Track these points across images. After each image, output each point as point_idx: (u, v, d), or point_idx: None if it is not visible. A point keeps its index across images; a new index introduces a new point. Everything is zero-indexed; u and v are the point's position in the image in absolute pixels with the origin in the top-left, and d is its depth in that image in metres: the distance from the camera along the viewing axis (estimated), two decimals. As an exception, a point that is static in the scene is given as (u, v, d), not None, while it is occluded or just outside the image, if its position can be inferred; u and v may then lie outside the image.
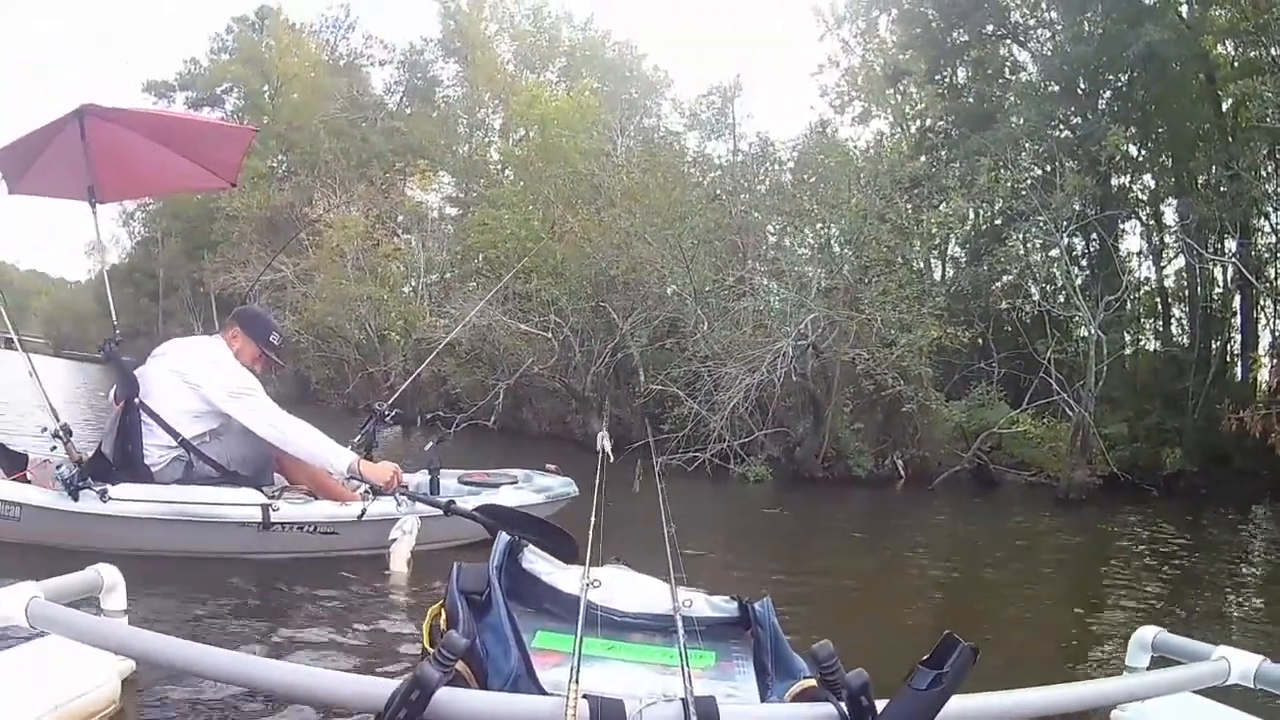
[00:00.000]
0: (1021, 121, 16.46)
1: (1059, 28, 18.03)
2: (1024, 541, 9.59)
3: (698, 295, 14.99)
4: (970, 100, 18.62)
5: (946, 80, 19.40)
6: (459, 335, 18.65)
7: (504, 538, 2.52)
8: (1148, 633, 2.55)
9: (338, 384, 23.90)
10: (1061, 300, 16.25)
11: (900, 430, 14.66)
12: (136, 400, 4.54)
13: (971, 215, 17.68)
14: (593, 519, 3.16)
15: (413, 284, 22.93)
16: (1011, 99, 17.81)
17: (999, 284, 17.79)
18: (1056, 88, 17.59)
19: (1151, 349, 19.20)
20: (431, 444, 5.88)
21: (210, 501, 4.47)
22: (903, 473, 14.38)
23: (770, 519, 10.27)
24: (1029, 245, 17.29)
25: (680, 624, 1.95)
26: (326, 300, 24.27)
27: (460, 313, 18.53)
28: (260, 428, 4.57)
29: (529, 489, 5.58)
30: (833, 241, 16.13)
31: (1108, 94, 17.89)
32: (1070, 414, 13.73)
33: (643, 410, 15.65)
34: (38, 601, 1.90)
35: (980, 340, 16.59)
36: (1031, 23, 18.81)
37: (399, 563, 4.50)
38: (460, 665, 1.69)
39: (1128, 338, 17.88)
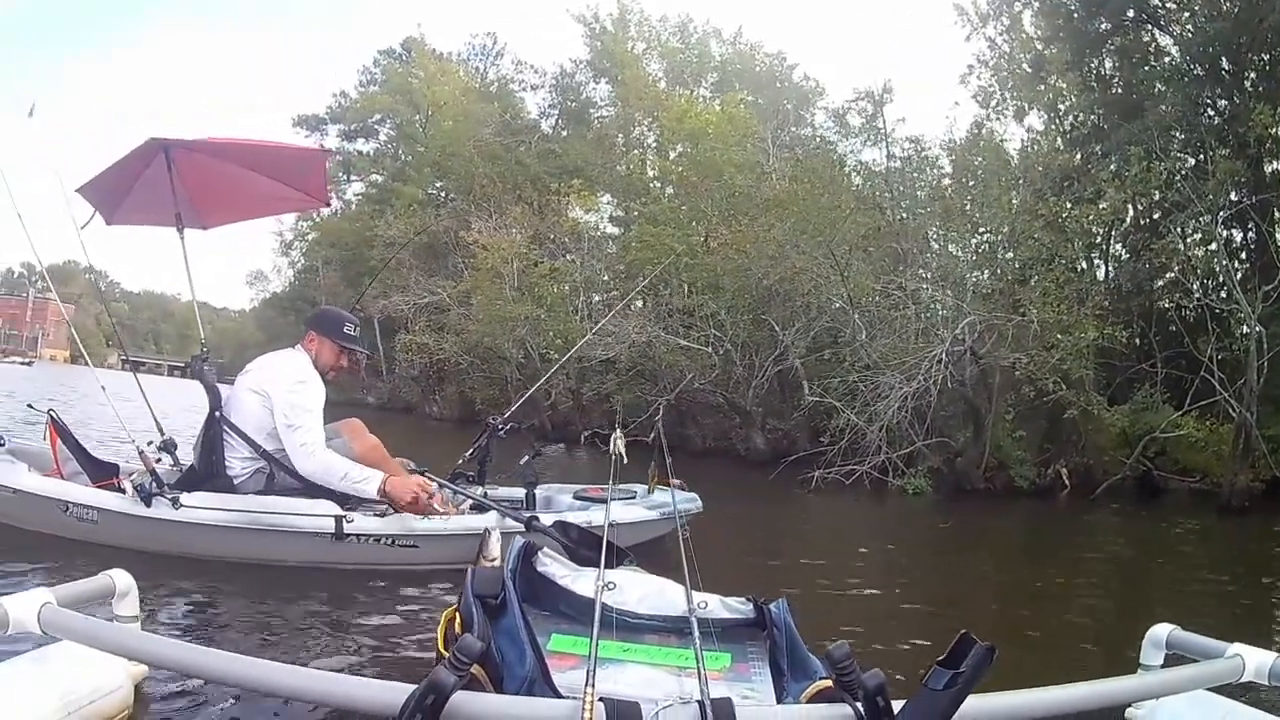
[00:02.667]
0: (1169, 108, 16.22)
1: (1196, 6, 17.76)
2: (1186, 551, 9.39)
3: (853, 303, 15.34)
4: (1119, 90, 18.60)
5: (1093, 71, 19.27)
6: (619, 352, 19.86)
7: (518, 541, 2.66)
8: (1162, 630, 2.55)
9: (500, 404, 24.77)
10: (1223, 295, 15.93)
11: (1064, 438, 14.53)
12: (218, 414, 4.83)
13: (1130, 210, 17.65)
14: (606, 522, 3.48)
15: (576, 302, 23.86)
16: (1158, 86, 17.66)
17: (1161, 281, 17.53)
18: (1201, 70, 17.35)
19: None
20: (526, 458, 5.90)
21: (282, 511, 4.64)
22: (1067, 482, 14.18)
23: (930, 535, 10.12)
24: (1187, 238, 16.94)
25: (695, 626, 2.06)
26: (483, 321, 25.61)
27: (619, 330, 19.69)
28: (302, 465, 4.73)
29: (641, 504, 5.45)
30: (992, 244, 16.50)
31: (1253, 74, 17.44)
32: (1233, 415, 13.42)
33: (807, 422, 16.12)
34: (50, 608, 1.99)
35: (1139, 340, 16.39)
36: (1170, 4, 18.53)
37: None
38: (475, 669, 1.76)
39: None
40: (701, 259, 19.92)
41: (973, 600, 5.93)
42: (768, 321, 18.35)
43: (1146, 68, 18.13)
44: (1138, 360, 16.12)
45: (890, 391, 13.49)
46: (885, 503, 12.50)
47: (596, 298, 27.71)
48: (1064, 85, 18.43)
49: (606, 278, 27.33)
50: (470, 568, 2.45)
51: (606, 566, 2.49)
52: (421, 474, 5.22)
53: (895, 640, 4.20)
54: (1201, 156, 15.40)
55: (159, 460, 5.13)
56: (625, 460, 4.52)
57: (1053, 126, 19.57)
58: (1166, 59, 18.29)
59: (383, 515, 4.83)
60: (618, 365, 21.58)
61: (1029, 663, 3.86)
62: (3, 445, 5.14)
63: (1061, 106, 19.37)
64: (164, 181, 5.34)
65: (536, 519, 4.62)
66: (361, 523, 4.68)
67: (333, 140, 45.65)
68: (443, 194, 35.88)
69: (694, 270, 20.18)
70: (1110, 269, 18.74)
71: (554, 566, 2.61)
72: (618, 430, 4.84)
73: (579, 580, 2.57)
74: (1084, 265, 17.87)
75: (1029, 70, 19.19)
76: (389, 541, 4.72)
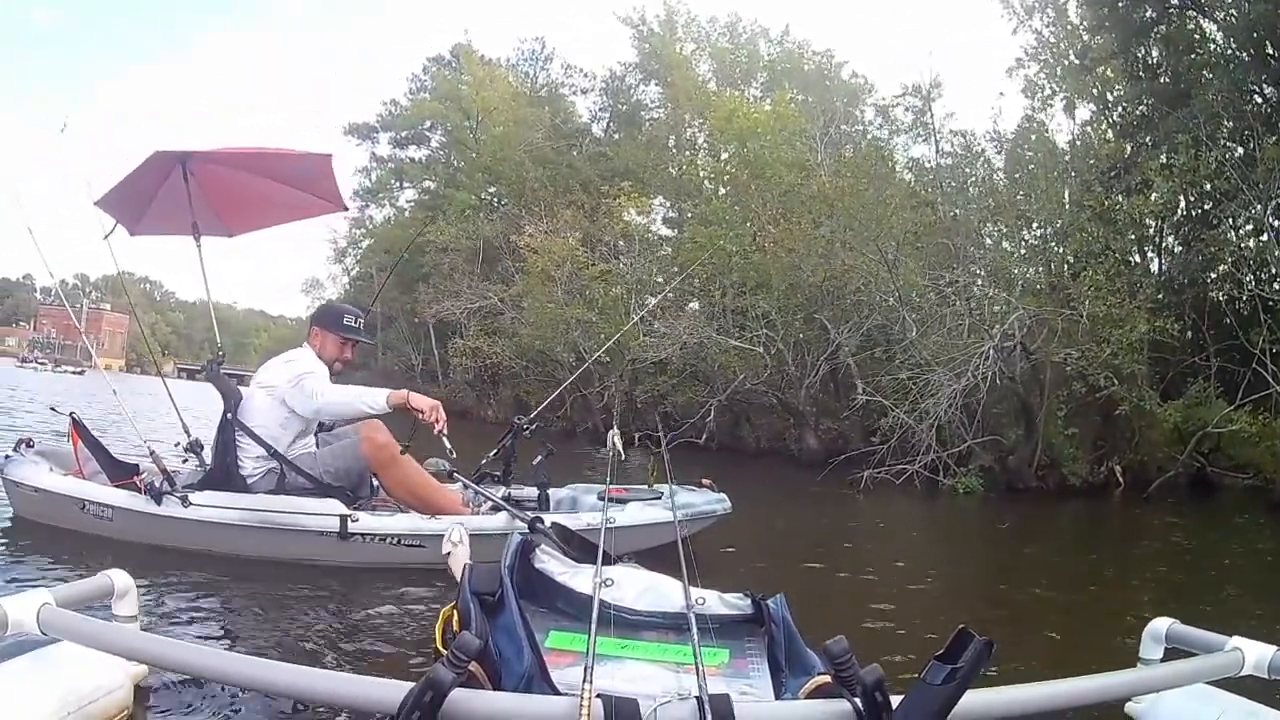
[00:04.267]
0: (1215, 95, 16.03)
1: (1239, -10, 17.55)
2: (1235, 549, 9.25)
3: (903, 299, 15.45)
4: (1166, 79, 18.43)
5: (1140, 61, 19.09)
6: (671, 353, 20.17)
7: (516, 538, 2.72)
8: (1161, 624, 2.56)
9: (555, 406, 24.89)
10: (1276, 287, 15.97)
11: (1117, 434, 14.53)
12: (229, 416, 5.05)
13: (1182, 201, 17.49)
14: (604, 518, 3.66)
15: (629, 304, 24.11)
16: (1205, 74, 17.46)
17: (1213, 273, 17.29)
18: (1247, 56, 17.09)
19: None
20: (539, 458, 5.88)
21: (288, 510, 4.87)
22: (1120, 480, 14.23)
23: (979, 535, 10.21)
24: (1239, 229, 16.86)
25: (693, 622, 2.10)
26: (534, 325, 26.05)
27: (671, 331, 20.01)
28: (307, 407, 4.97)
29: (662, 505, 5.35)
30: (1046, 237, 16.49)
31: (1298, 58, 17.17)
32: (1286, 408, 13.27)
33: (860, 422, 16.25)
34: (49, 608, 2.01)
35: (1190, 333, 16.25)
36: (1213, -10, 18.34)
37: (459, 569, 4.79)
38: (473, 666, 1.78)
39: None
40: (751, 258, 20.11)
41: (1017, 601, 5.88)
42: (819, 320, 18.53)
43: (1192, 55, 17.98)
44: (1190, 354, 16.00)
45: (940, 389, 13.56)
46: (936, 502, 12.57)
47: (652, 300, 28.00)
48: (1111, 75, 18.38)
49: (660, 279, 27.57)
50: (467, 565, 2.52)
51: (604, 564, 2.55)
52: (452, 474, 5.48)
53: (930, 639, 4.06)
54: (1250, 144, 15.24)
55: (185, 461, 5.69)
56: (623, 458, 4.86)
57: (1102, 117, 19.52)
58: (1212, 45, 18.13)
59: (392, 515, 5.04)
60: (670, 367, 21.87)
61: (1074, 661, 4.02)
62: (31, 447, 5.48)
63: (1110, 97, 19.28)
64: (184, 193, 5.68)
65: (540, 520, 4.57)
66: (367, 522, 4.89)
67: (384, 148, 46.86)
68: (495, 199, 36.29)
69: (744, 270, 20.39)
70: (1163, 261, 18.64)
71: (552, 564, 2.67)
72: (614, 428, 5.21)
73: (577, 577, 2.61)
74: (1136, 258, 17.84)
75: (1076, 62, 19.13)
76: (394, 541, 4.90)
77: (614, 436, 5.05)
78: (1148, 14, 18.45)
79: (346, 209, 6.68)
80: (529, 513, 4.90)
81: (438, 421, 4.91)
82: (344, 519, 4.82)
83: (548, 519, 4.72)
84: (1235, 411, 13.73)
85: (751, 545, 7.10)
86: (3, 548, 4.77)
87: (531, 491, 5.77)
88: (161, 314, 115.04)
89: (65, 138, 6.89)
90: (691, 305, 24.93)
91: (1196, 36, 18.33)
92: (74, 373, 39.12)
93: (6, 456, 5.45)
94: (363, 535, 4.85)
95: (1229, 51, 17.68)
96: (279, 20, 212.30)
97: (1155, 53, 19.17)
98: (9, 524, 5.20)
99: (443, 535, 4.55)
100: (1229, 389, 14.78)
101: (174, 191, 5.76)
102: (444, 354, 34.33)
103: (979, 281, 15.12)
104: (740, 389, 19.69)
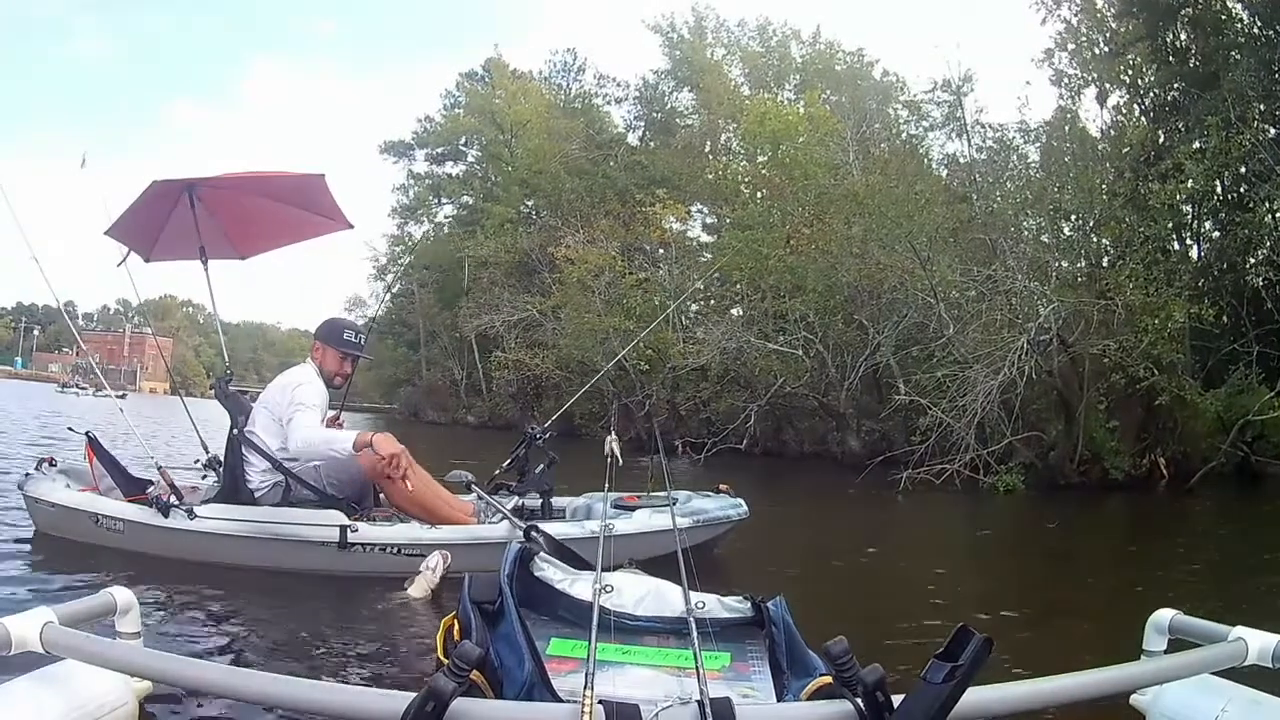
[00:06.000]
0: (1244, 76, 16.01)
1: (1265, -32, 17.38)
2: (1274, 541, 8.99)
3: (937, 295, 15.50)
4: (1196, 62, 18.38)
5: (1168, 45, 19.04)
6: (710, 359, 20.41)
7: (514, 546, 2.68)
8: (1164, 615, 2.55)
9: (598, 417, 25.12)
10: None
11: (1159, 426, 14.43)
12: (235, 432, 5.26)
13: (1218, 186, 17.36)
14: (603, 525, 3.70)
15: (668, 312, 24.24)
16: (1233, 55, 17.38)
17: (1252, 258, 17.13)
18: (1274, 34, 17.04)
19: None
20: (541, 467, 5.88)
21: (289, 521, 5.00)
22: (1164, 471, 14.17)
23: (1017, 535, 9.97)
24: (1275, 210, 16.68)
25: (694, 626, 2.10)
26: (573, 336, 26.40)
27: (710, 338, 20.26)
28: (292, 445, 5.10)
29: (670, 512, 4.98)
30: (1084, 228, 16.60)
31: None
32: (1329, 394, 13.09)
33: (902, 422, 16.31)
34: (52, 626, 2.01)
35: (1227, 319, 16.18)
36: (1238, -32, 18.17)
37: (419, 591, 4.66)
38: (475, 675, 1.79)
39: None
40: (786, 261, 20.26)
41: (1051, 598, 5.78)
42: (858, 320, 18.75)
43: (1220, 36, 17.90)
44: (1231, 340, 15.93)
45: (976, 385, 13.61)
46: (977, 501, 12.48)
47: (694, 306, 28.26)
48: (1140, 60, 18.34)
49: (700, 285, 27.80)
50: (467, 574, 2.53)
51: (604, 569, 2.57)
52: (469, 485, 5.64)
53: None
54: (1280, 125, 15.03)
55: (204, 477, 5.94)
56: (620, 463, 4.82)
57: (1134, 104, 19.48)
58: (1239, 25, 18.07)
59: (392, 524, 5.16)
60: (710, 373, 22.09)
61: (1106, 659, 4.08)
62: (54, 465, 5.74)
63: (1141, 84, 19.22)
64: (192, 218, 5.95)
65: (536, 528, 4.62)
66: (366, 532, 5.01)
67: (421, 165, 47.47)
68: (533, 211, 36.73)
69: (780, 273, 20.58)
70: (1201, 248, 18.59)
71: (551, 571, 2.67)
72: (612, 434, 5.23)
73: (577, 584, 2.62)
74: (1175, 245, 17.74)
75: (1106, 49, 19.12)
76: (394, 550, 5.01)
77: (612, 442, 5.06)
78: (1175, -3, 18.44)
79: (351, 226, 6.77)
80: (528, 521, 5.00)
81: (396, 469, 4.99)
82: (343, 529, 4.96)
83: (546, 527, 4.81)
84: (1277, 398, 13.69)
85: (779, 549, 7.20)
86: (24, 560, 5.02)
87: (557, 500, 5.92)
88: (205, 336, 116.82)
89: (88, 171, 7.15)
90: (734, 311, 25.20)
91: (1224, 17, 18.26)
92: (116, 396, 39.88)
93: (27, 474, 5.74)
94: (362, 545, 4.99)
95: (1256, 30, 17.66)
96: (315, 53, 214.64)
97: (1184, 35, 19.13)
98: (30, 538, 5.48)
99: (439, 544, 4.88)
100: (1270, 375, 14.81)
101: (183, 218, 6.02)
102: (487, 368, 34.77)
103: (1014, 275, 14.99)
104: (781, 393, 19.89)
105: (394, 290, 48.49)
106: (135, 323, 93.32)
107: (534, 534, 4.42)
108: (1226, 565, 7.55)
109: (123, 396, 44.08)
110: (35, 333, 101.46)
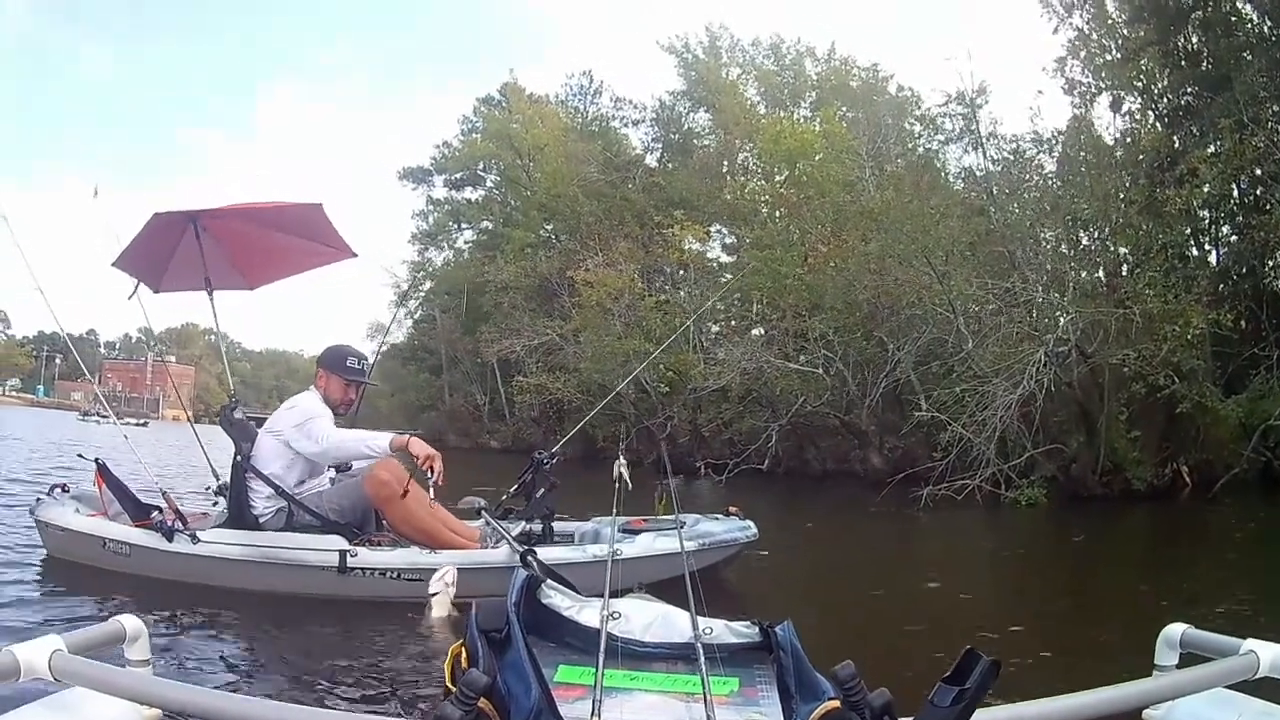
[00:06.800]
0: (1256, 76, 15.91)
1: (1274, -31, 17.26)
2: None
3: (955, 309, 15.59)
4: (1208, 65, 18.24)
5: (1179, 50, 18.85)
6: (731, 380, 20.49)
7: (521, 573, 2.65)
8: (1175, 630, 2.49)
9: (621, 439, 25.02)
10: None
11: (1182, 434, 14.40)
12: (239, 458, 5.38)
13: (1234, 190, 17.25)
14: (610, 549, 3.86)
15: (688, 333, 24.22)
16: (1245, 55, 17.22)
17: (1271, 260, 17.04)
18: None
19: None
20: (542, 490, 5.92)
21: (289, 546, 5.13)
22: (1188, 480, 14.15)
23: (1038, 551, 9.84)
24: None
25: (701, 652, 2.13)
26: (593, 359, 26.45)
27: (730, 358, 20.34)
28: (313, 450, 5.30)
29: (675, 536, 5.23)
30: (1101, 238, 16.60)
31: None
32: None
33: (925, 438, 16.17)
34: (61, 654, 2.00)
35: (1245, 324, 16.03)
36: (1248, -30, 18.07)
37: (440, 611, 4.71)
38: (482, 703, 1.79)
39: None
40: (804, 279, 20.39)
41: (1070, 613, 5.81)
42: (878, 337, 18.74)
43: (1231, 38, 17.80)
44: (1251, 345, 15.71)
45: (995, 399, 13.64)
46: (999, 517, 12.49)
47: (715, 328, 28.37)
48: (1152, 65, 18.36)
49: (721, 306, 27.90)
50: (474, 601, 2.42)
51: (611, 596, 2.58)
52: (479, 511, 5.81)
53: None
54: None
55: (215, 504, 6.07)
56: (630, 487, 4.95)
57: (1148, 110, 19.51)
58: (1249, 25, 17.96)
59: (392, 549, 5.25)
60: (731, 394, 22.07)
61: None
62: (66, 491, 5.97)
63: (1155, 90, 19.24)
64: (196, 249, 6.10)
65: (532, 553, 4.73)
66: (366, 556, 5.09)
67: (440, 190, 47.72)
68: (552, 235, 36.87)
69: (799, 291, 20.68)
70: (1220, 252, 18.51)
71: (558, 598, 2.66)
72: (621, 458, 5.34)
73: (584, 611, 2.61)
74: (1193, 251, 17.71)
75: (1118, 56, 19.14)
76: (394, 575, 5.09)
77: (621, 466, 5.17)
78: (1185, 0, 18.44)
79: (355, 255, 6.88)
80: (525, 547, 4.97)
81: (432, 470, 5.13)
82: (343, 554, 5.05)
83: (545, 552, 4.97)
84: (1300, 402, 13.45)
85: (795, 569, 7.29)
86: (34, 584, 5.18)
87: (559, 526, 5.97)
88: (229, 364, 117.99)
89: (101, 201, 7.31)
90: (754, 331, 25.25)
91: (1234, 19, 18.18)
92: (137, 424, 40.24)
93: (39, 499, 5.94)
94: (362, 569, 5.07)
95: (1266, 30, 17.60)
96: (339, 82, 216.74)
97: (1195, 39, 19.00)
98: (42, 562, 5.67)
99: (437, 568, 4.91)
100: (1297, 380, 14.69)
101: (189, 249, 6.17)
102: (509, 392, 34.86)
103: (1032, 287, 15.09)
104: (802, 412, 19.88)
105: (415, 316, 48.86)
106: (157, 351, 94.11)
107: (530, 559, 4.59)
108: (1251, 575, 7.46)
109: (144, 424, 44.50)
110: (57, 361, 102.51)
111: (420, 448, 5.14)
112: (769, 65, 34.11)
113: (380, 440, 5.23)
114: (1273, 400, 14.14)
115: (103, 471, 5.76)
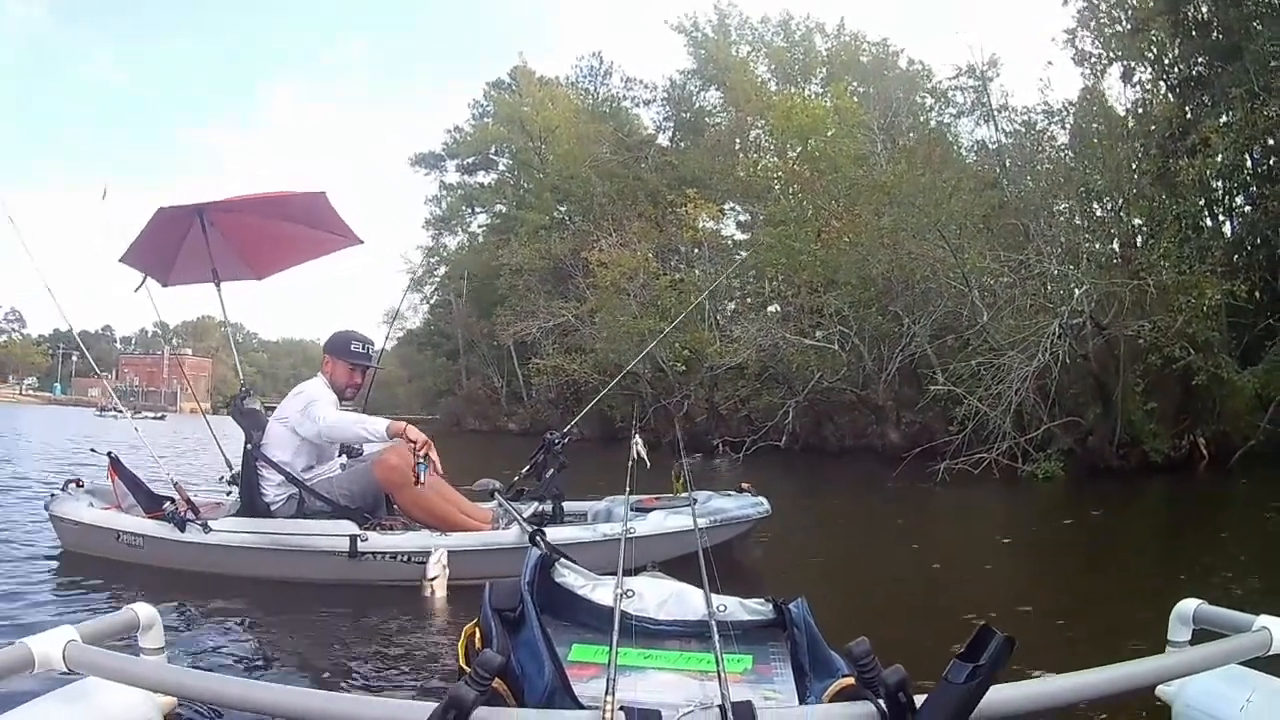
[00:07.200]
0: (1266, 45, 15.66)
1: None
2: None
3: (969, 282, 15.58)
4: (1219, 35, 17.97)
5: (1190, 19, 18.59)
6: (747, 357, 20.56)
7: (534, 553, 2.68)
8: (1188, 606, 2.53)
9: (640, 420, 24.92)
10: None
11: (1198, 406, 14.29)
12: (249, 447, 5.39)
13: (1248, 160, 17.16)
14: (623, 527, 3.78)
15: (704, 311, 24.31)
16: (1256, 24, 16.91)
17: None
18: None
19: None
20: (551, 471, 5.95)
21: (300, 533, 5.15)
22: (1205, 452, 14.07)
23: (1050, 528, 9.32)
24: None
25: (715, 629, 2.11)
26: (608, 339, 26.62)
27: (746, 335, 20.41)
28: (312, 430, 5.28)
29: (688, 513, 5.17)
30: (1116, 208, 16.53)
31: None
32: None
33: (942, 413, 16.14)
34: (75, 645, 2.03)
35: (1260, 295, 15.85)
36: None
37: (440, 592, 4.78)
38: (497, 683, 1.79)
39: None
40: (818, 255, 20.47)
41: (1089, 590, 5.70)
42: (893, 311, 18.79)
43: (1240, 7, 17.52)
44: (1267, 316, 15.33)
45: (1010, 372, 13.60)
46: (1015, 490, 12.41)
47: (731, 305, 28.44)
48: (1163, 35, 18.25)
49: (736, 283, 28.02)
50: (488, 582, 2.45)
51: (625, 574, 2.59)
52: (492, 493, 5.90)
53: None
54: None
55: (229, 494, 6.08)
56: (649, 465, 5.00)
57: (1160, 80, 19.38)
58: None
59: (403, 533, 5.24)
60: (748, 371, 22.21)
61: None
62: (81, 486, 6.03)
63: (1166, 60, 19.12)
64: (203, 242, 6.16)
65: (541, 533, 4.78)
66: (376, 540, 5.10)
67: (453, 175, 47.64)
68: (566, 217, 36.82)
69: (813, 267, 20.77)
70: (1234, 223, 18.39)
71: (571, 577, 2.67)
72: (636, 435, 5.38)
73: (598, 589, 2.62)
74: (1208, 221, 17.60)
75: (1129, 26, 19.01)
76: (404, 558, 5.09)
77: (637, 444, 5.21)
78: (1196, -34, 18.26)
79: (361, 242, 6.93)
80: (534, 527, 5.00)
81: (427, 455, 5.03)
82: (353, 538, 5.06)
83: (555, 531, 5.04)
84: (1316, 372, 13.36)
85: (810, 546, 7.31)
86: (50, 577, 5.23)
87: (571, 506, 6.01)
88: (245, 355, 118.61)
89: (108, 202, 7.40)
90: (770, 308, 25.31)
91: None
92: (154, 418, 40.51)
93: (53, 494, 6.00)
94: (373, 554, 5.08)
95: (1277, 0, 17.26)
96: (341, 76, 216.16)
97: (1204, 8, 18.76)
98: (58, 555, 5.74)
99: (450, 551, 4.96)
100: (1310, 350, 14.51)
101: (197, 242, 6.22)
102: (526, 375, 34.98)
103: (1045, 259, 14.95)
104: (819, 388, 19.93)
105: (431, 301, 48.87)
106: (173, 344, 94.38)
107: (539, 539, 4.64)
108: (1269, 550, 7.35)
109: (162, 418, 44.85)
110: (74, 358, 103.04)
111: (416, 434, 5.09)
112: (779, 42, 34.05)
113: (377, 424, 5.22)
114: (1289, 371, 13.90)
115: (115, 465, 5.82)
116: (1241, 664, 2.31)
